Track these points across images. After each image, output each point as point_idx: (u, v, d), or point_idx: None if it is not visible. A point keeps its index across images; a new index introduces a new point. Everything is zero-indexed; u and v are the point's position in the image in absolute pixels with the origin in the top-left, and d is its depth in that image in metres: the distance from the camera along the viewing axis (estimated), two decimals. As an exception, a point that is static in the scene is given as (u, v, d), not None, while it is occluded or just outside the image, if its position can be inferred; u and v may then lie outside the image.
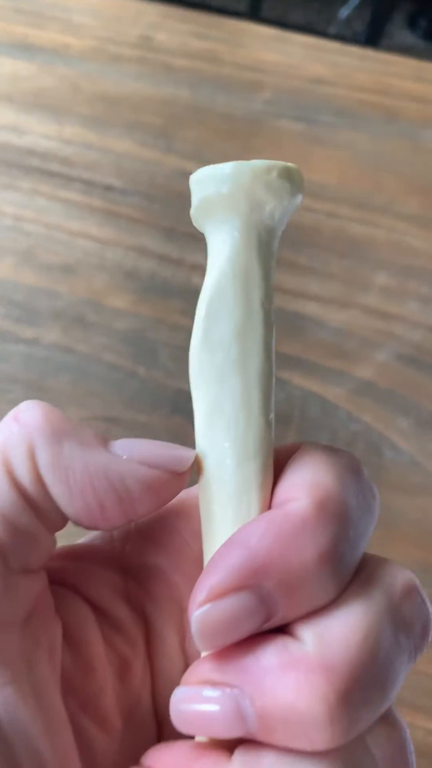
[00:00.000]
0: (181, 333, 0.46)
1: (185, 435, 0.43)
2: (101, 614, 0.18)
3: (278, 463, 0.17)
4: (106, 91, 0.57)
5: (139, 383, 0.44)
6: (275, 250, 0.17)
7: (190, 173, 0.17)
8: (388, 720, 0.15)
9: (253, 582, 0.14)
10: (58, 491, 0.15)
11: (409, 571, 0.16)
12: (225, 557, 0.15)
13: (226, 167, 0.16)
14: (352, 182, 0.53)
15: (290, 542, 0.14)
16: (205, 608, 0.14)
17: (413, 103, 0.59)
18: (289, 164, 0.16)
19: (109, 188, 0.52)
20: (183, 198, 0.55)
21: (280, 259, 0.50)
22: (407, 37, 1.72)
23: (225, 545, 0.15)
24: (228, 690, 0.14)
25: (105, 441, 0.16)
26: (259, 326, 0.16)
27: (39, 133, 0.54)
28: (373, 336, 0.47)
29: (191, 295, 0.48)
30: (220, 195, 0.16)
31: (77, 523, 0.16)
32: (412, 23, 1.74)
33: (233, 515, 0.16)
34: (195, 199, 0.17)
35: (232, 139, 0.55)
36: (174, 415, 0.43)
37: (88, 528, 0.16)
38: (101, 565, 0.19)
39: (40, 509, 0.15)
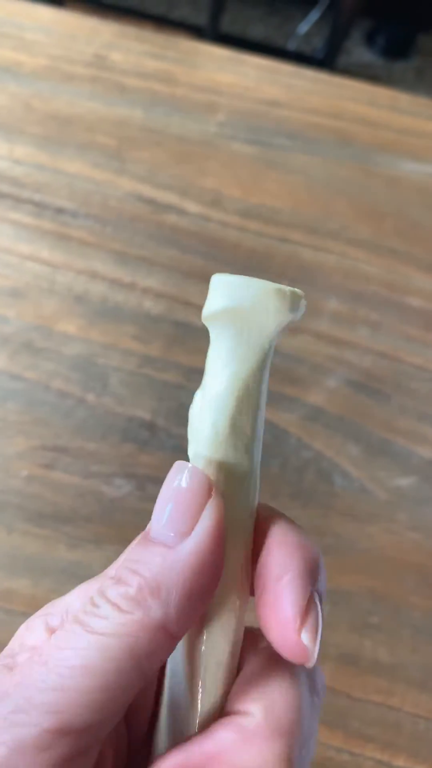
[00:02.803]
0: (132, 358, 0.46)
1: (135, 464, 0.42)
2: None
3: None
4: (58, 110, 0.57)
5: (89, 410, 0.44)
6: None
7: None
8: None
9: None
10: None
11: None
12: None
13: (253, 283, 0.19)
14: (304, 207, 0.54)
15: None
16: None
17: (366, 128, 0.59)
18: (296, 290, 0.19)
19: (60, 210, 0.51)
20: (135, 221, 0.55)
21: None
22: (365, 54, 1.74)
23: None
24: None
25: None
26: (263, 419, 0.20)
27: (-11, 152, 0.53)
28: (324, 362, 0.47)
29: (143, 319, 0.47)
30: (249, 307, 0.19)
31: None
32: (370, 40, 1.76)
33: None
34: (218, 304, 0.19)
35: (185, 161, 0.55)
36: (124, 443, 0.43)
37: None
38: None
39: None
